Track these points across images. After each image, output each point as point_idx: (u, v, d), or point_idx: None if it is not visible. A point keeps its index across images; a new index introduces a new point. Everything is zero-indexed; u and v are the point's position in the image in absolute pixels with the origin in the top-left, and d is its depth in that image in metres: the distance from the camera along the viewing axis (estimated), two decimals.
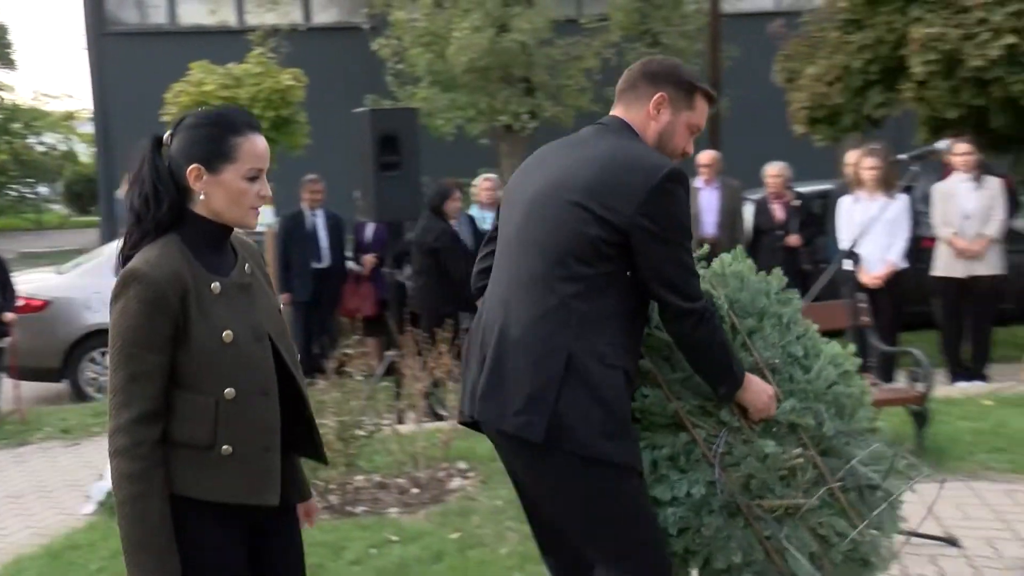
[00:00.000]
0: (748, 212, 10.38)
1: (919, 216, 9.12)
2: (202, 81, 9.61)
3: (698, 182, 10.13)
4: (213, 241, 2.67)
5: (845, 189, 9.10)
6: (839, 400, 3.13)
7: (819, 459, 3.03)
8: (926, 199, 9.22)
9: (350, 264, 10.20)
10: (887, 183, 8.35)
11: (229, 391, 2.54)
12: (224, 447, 2.53)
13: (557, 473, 2.86)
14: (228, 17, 23.42)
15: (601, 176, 2.88)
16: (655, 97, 3.04)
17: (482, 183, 10.36)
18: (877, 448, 3.16)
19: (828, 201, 10.53)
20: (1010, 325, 10.49)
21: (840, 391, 3.14)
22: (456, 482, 6.30)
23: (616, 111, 3.12)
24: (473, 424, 3.06)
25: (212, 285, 2.57)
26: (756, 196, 10.44)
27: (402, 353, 6.73)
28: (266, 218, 8.56)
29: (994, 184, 8.79)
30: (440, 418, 7.47)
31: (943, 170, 9.34)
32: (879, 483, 3.13)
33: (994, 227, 8.66)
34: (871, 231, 7.49)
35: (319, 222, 9.96)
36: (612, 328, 2.87)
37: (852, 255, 8.02)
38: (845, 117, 11.00)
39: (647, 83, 3.08)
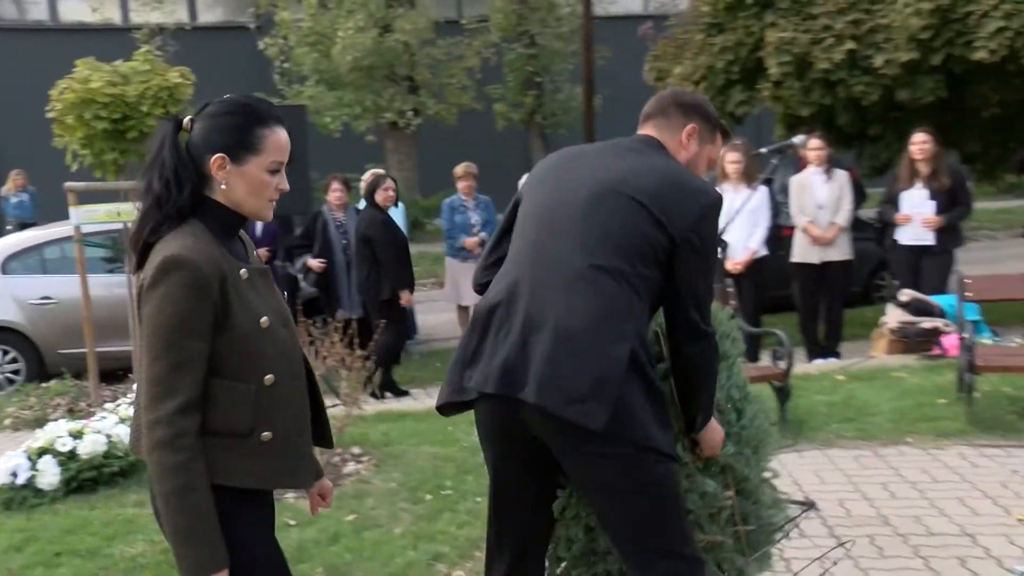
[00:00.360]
0: None
1: (778, 206, 9.36)
2: (88, 78, 9.17)
3: None
4: (229, 230, 2.52)
5: (714, 182, 9.30)
6: (760, 445, 3.21)
7: (735, 499, 3.09)
8: (785, 190, 9.47)
9: None
10: (749, 175, 8.58)
11: (268, 377, 2.42)
12: (264, 433, 2.41)
13: (610, 460, 2.76)
14: (112, 15, 22.74)
15: (663, 187, 2.87)
16: (687, 128, 3.08)
17: (370, 175, 10.28)
18: (777, 496, 3.30)
19: None
20: (857, 306, 10.84)
21: (763, 437, 3.22)
22: (351, 466, 6.27)
23: (647, 131, 3.12)
24: (464, 404, 2.93)
25: (240, 271, 2.43)
26: None
27: None
28: None
29: (842, 176, 9.10)
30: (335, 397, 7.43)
31: (799, 163, 9.62)
32: (780, 526, 3.26)
33: (844, 216, 8.94)
34: (735, 221, 7.72)
35: None
36: (647, 330, 2.88)
37: (720, 243, 8.21)
38: None
39: (679, 113, 3.10)
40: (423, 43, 18.70)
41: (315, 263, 9.30)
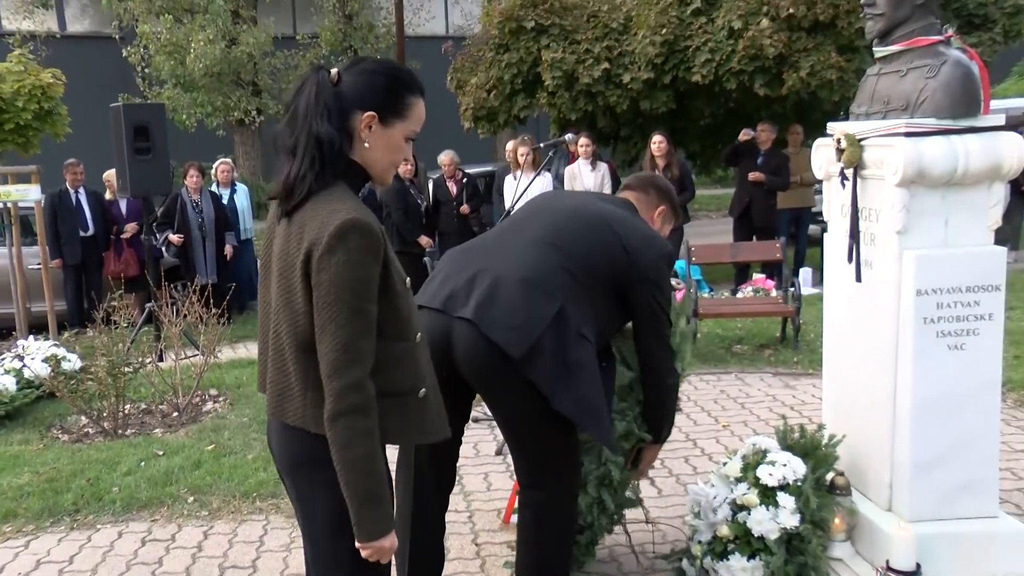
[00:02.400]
0: (430, 188, 10.47)
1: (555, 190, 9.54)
2: None
3: None
4: (359, 190, 2.05)
5: (506, 170, 9.40)
6: None
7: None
8: (560, 178, 9.65)
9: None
10: (536, 164, 8.73)
11: (419, 335, 2.04)
12: (421, 390, 2.03)
13: (515, 389, 2.68)
14: None
15: (635, 230, 2.92)
16: (660, 208, 3.17)
17: (219, 166, 9.93)
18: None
19: (491, 179, 10.81)
20: None
21: None
22: (209, 405, 6.12)
23: (628, 196, 3.16)
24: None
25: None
26: (435, 176, 10.55)
27: (160, 304, 6.42)
28: (34, 195, 7.86)
29: (603, 167, 9.36)
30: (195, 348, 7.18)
31: (570, 157, 9.82)
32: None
33: None
34: (526, 199, 7.84)
35: (83, 198, 9.23)
36: (590, 324, 2.77)
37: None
38: (500, 116, 11.28)
39: (657, 195, 3.18)
40: (264, 54, 18.11)
41: (175, 238, 8.97)
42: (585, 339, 2.73)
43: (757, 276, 8.62)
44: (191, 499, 4.51)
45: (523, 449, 2.84)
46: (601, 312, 2.84)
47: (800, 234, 9.92)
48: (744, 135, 9.40)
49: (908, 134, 2.93)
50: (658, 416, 3.09)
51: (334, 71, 2.02)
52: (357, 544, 1.93)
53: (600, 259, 2.83)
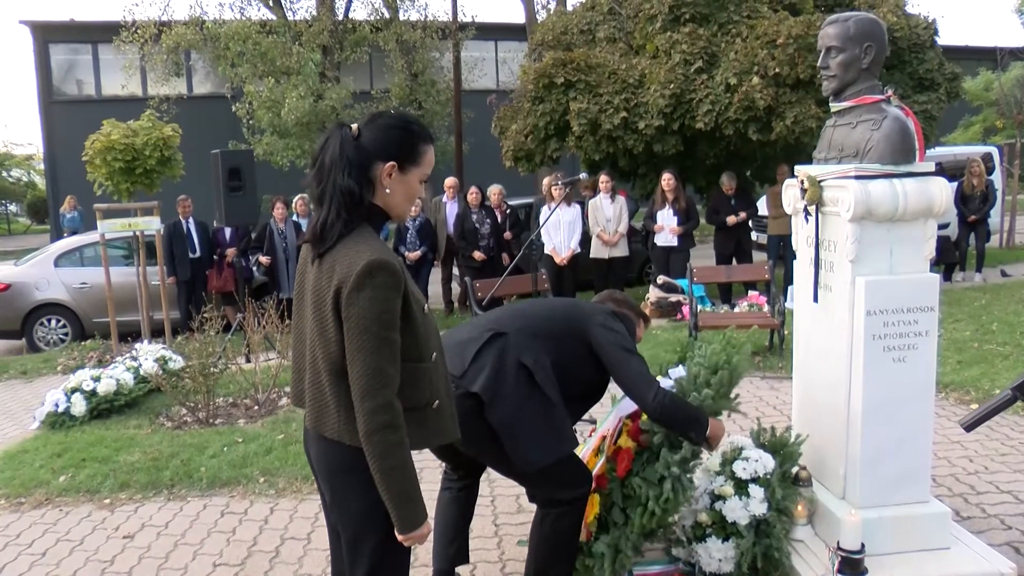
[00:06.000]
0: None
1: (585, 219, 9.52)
2: (110, 133, 8.93)
3: (444, 198, 10.21)
4: (380, 230, 2.00)
5: (542, 202, 9.40)
6: None
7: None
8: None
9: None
10: (568, 198, 8.71)
11: (435, 355, 1.98)
12: (435, 402, 1.98)
13: (471, 420, 2.61)
14: (136, 90, 22.14)
15: (587, 303, 3.03)
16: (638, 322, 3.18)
17: (298, 200, 10.09)
18: None
19: (529, 209, 10.78)
20: (633, 286, 11.11)
21: None
22: (283, 401, 6.14)
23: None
24: None
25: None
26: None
27: (245, 315, 6.51)
28: (155, 224, 8.13)
29: (621, 199, 9.28)
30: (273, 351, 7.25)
31: (591, 190, 9.77)
32: None
33: (623, 227, 9.15)
34: (560, 229, 8.26)
35: (192, 227, 9.43)
36: (542, 354, 2.73)
37: (538, 244, 8.37)
38: (536, 157, 11.23)
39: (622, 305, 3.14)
40: (345, 107, 18.31)
41: (264, 259, 9.13)
42: (523, 367, 2.67)
43: (752, 293, 8.46)
44: (262, 479, 4.54)
45: (489, 455, 2.80)
46: (563, 352, 2.78)
47: (788, 256, 9.74)
48: (731, 220, 9.52)
49: (858, 177, 2.86)
50: (681, 434, 2.92)
51: (355, 127, 1.95)
52: (398, 535, 1.90)
53: (558, 318, 2.86)
